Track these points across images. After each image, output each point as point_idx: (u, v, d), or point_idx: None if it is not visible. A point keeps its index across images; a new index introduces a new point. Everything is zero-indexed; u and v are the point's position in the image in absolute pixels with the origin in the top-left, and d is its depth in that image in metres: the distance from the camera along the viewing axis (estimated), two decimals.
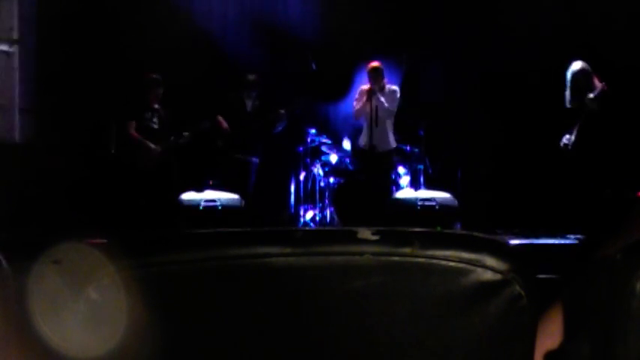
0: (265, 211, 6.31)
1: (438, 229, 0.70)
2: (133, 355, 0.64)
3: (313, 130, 6.26)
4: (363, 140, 6.19)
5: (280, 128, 6.29)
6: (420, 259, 0.65)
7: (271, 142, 6.42)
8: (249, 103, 6.30)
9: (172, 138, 5.98)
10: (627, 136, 5.67)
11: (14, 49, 6.28)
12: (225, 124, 6.14)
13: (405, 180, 6.14)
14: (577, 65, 5.63)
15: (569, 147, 5.67)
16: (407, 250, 0.66)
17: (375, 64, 6.08)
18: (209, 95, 6.34)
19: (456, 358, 0.66)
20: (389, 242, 0.66)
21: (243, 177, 6.20)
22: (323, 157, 6.23)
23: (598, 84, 5.55)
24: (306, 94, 6.55)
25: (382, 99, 6.03)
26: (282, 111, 6.19)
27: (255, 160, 6.32)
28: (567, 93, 5.68)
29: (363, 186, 5.94)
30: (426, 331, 0.65)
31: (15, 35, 6.29)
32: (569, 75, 5.64)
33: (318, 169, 6.13)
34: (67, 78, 6.32)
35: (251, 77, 6.27)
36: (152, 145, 5.92)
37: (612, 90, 5.55)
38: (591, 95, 5.53)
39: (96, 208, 6.00)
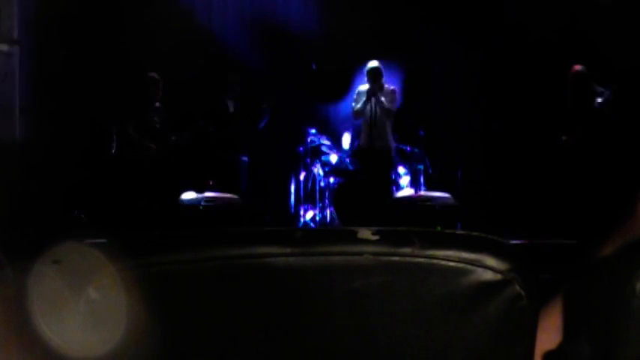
0: (261, 210, 6.31)
1: (438, 229, 0.70)
2: (133, 355, 0.64)
3: (313, 130, 6.26)
4: (362, 140, 6.19)
5: (263, 124, 6.27)
6: (420, 259, 0.65)
7: (259, 139, 6.40)
8: (231, 103, 6.29)
9: (173, 138, 5.99)
10: (629, 137, 5.69)
11: (14, 49, 6.27)
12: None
13: (405, 180, 6.14)
14: (578, 68, 5.69)
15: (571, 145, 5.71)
16: (407, 250, 0.66)
17: (373, 63, 6.08)
18: (196, 97, 6.33)
19: (456, 358, 0.66)
20: (389, 242, 0.66)
21: (233, 177, 6.19)
22: (323, 157, 6.23)
23: (598, 87, 5.63)
24: (300, 92, 6.55)
25: (381, 99, 6.03)
26: (264, 106, 6.17)
27: (244, 158, 6.31)
28: (568, 94, 5.72)
29: (363, 186, 5.94)
30: (426, 331, 0.65)
31: (15, 35, 6.29)
32: (570, 77, 5.69)
33: (318, 169, 6.13)
34: (67, 78, 6.32)
35: (233, 76, 6.26)
36: (152, 145, 5.93)
37: (617, 92, 5.59)
38: (599, 99, 5.59)
39: (96, 208, 6.00)
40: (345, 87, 6.53)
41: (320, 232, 0.71)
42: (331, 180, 6.03)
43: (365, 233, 0.67)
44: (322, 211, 6.05)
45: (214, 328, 0.66)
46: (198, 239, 0.68)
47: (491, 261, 0.66)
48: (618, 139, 5.62)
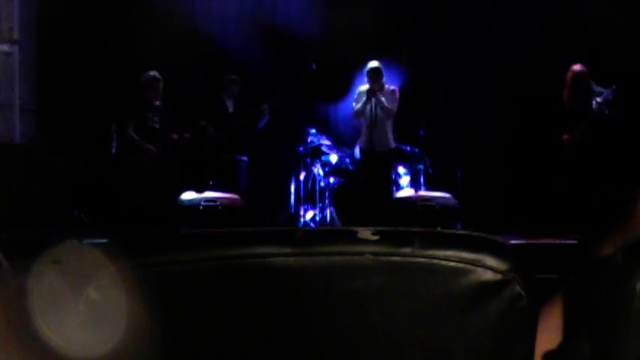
0: (261, 210, 6.30)
1: (438, 229, 0.70)
2: (133, 355, 0.64)
3: (313, 130, 6.26)
4: (362, 140, 6.19)
5: (263, 124, 6.26)
6: (420, 259, 0.65)
7: (259, 139, 6.39)
8: (229, 103, 6.29)
9: (175, 136, 5.99)
10: (629, 137, 5.70)
11: (14, 49, 6.27)
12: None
13: (405, 180, 6.14)
14: (577, 67, 5.69)
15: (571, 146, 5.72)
16: (407, 250, 0.66)
17: (373, 64, 6.08)
18: (196, 97, 6.33)
19: (456, 358, 0.66)
20: (389, 242, 0.66)
21: (233, 177, 6.18)
22: (323, 157, 6.22)
23: (596, 87, 5.63)
24: (296, 92, 6.55)
25: (381, 99, 6.03)
26: (264, 106, 6.16)
27: (244, 158, 6.31)
28: (566, 94, 5.73)
29: (363, 186, 5.94)
30: (426, 331, 0.65)
31: (15, 35, 6.29)
32: (569, 76, 5.70)
33: (318, 169, 6.13)
34: (67, 78, 6.32)
35: (231, 77, 6.25)
36: (150, 146, 5.92)
37: (618, 93, 5.59)
38: (598, 99, 5.59)
39: (96, 208, 6.00)
40: (345, 87, 6.53)
41: (320, 232, 0.71)
42: (331, 180, 6.03)
43: (365, 233, 0.67)
44: (322, 211, 6.05)
45: (214, 328, 0.66)
46: (198, 239, 0.68)
47: (491, 261, 0.66)
48: (618, 139, 5.63)
